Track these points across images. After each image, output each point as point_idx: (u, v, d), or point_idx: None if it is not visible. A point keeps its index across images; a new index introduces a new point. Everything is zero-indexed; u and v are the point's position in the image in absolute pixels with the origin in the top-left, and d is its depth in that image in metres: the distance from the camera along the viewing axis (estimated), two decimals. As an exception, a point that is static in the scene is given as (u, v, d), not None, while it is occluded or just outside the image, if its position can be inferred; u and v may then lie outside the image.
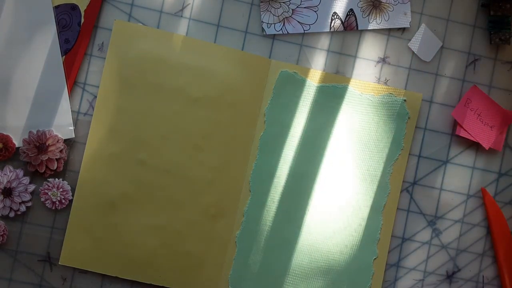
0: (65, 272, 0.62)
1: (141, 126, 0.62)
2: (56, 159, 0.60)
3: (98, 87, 0.62)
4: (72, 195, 0.61)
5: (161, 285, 0.62)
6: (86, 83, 0.62)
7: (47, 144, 0.60)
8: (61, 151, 0.60)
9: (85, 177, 0.61)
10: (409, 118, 0.64)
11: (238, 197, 0.63)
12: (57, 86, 0.61)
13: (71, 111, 0.62)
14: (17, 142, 0.61)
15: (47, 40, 0.61)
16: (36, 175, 0.61)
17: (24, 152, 0.60)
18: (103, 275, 0.62)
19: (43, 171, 0.60)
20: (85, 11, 0.61)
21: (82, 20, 0.61)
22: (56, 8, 0.61)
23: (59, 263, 0.61)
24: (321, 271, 0.63)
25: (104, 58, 0.62)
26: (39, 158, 0.60)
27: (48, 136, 0.60)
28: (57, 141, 0.60)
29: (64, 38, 0.61)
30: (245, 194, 0.63)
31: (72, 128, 0.61)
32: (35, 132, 0.60)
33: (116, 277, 0.62)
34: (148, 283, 0.62)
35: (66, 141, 0.61)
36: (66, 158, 0.61)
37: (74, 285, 0.62)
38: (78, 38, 0.61)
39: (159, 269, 0.62)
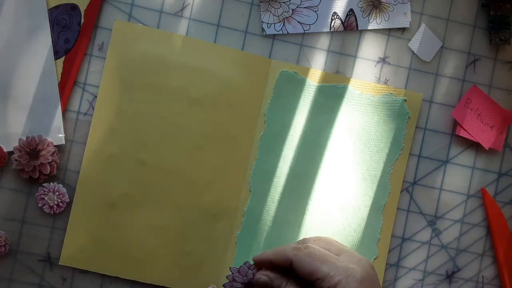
0: (65, 272, 0.62)
1: (141, 126, 0.62)
2: (48, 163, 0.60)
3: (98, 87, 0.62)
4: (72, 196, 0.61)
5: (161, 285, 0.62)
6: (86, 83, 0.62)
7: (38, 149, 0.60)
8: (52, 154, 0.60)
9: (85, 177, 0.61)
10: (409, 118, 0.64)
11: (238, 197, 0.63)
12: (48, 93, 0.61)
13: (71, 111, 0.62)
14: (6, 150, 0.60)
15: (39, 48, 0.61)
16: (31, 182, 0.61)
17: (16, 160, 0.60)
18: (103, 275, 0.62)
19: (36, 176, 0.60)
20: (85, 11, 0.61)
21: (82, 20, 0.61)
22: (56, 8, 0.61)
23: (59, 263, 0.61)
24: (321, 271, 0.63)
25: (104, 58, 0.62)
26: (32, 164, 0.60)
27: (38, 141, 0.60)
28: (47, 145, 0.60)
29: (64, 38, 0.61)
30: (245, 194, 0.63)
31: (62, 135, 0.61)
32: (25, 139, 0.60)
33: (116, 277, 0.62)
34: (148, 283, 0.62)
35: (57, 147, 0.61)
36: (58, 161, 0.61)
37: (74, 285, 0.62)
38: (78, 38, 0.61)
39: (159, 269, 0.62)
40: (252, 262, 0.59)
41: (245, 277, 0.58)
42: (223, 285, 0.59)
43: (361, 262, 0.53)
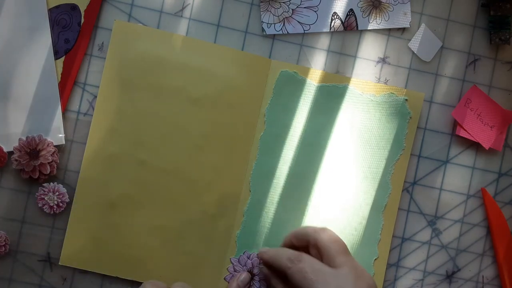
0: (65, 272, 0.62)
1: (141, 126, 0.62)
2: (48, 163, 0.60)
3: (98, 87, 0.62)
4: (72, 196, 0.61)
5: (161, 285, 0.62)
6: (86, 83, 0.62)
7: (38, 149, 0.60)
8: (52, 154, 0.60)
9: (85, 177, 0.61)
10: (410, 117, 0.64)
11: (238, 197, 0.63)
12: (48, 93, 0.61)
13: (71, 111, 0.62)
14: (6, 150, 0.60)
15: (39, 48, 0.61)
16: (31, 182, 0.61)
17: (16, 160, 0.60)
18: (103, 275, 0.62)
19: (36, 176, 0.60)
20: (85, 11, 0.61)
21: (82, 20, 0.61)
22: (56, 8, 0.61)
23: (59, 263, 0.61)
24: (321, 271, 0.63)
25: (104, 58, 0.62)
26: (32, 164, 0.60)
27: (38, 141, 0.60)
28: (47, 145, 0.60)
29: (64, 38, 0.61)
30: (245, 194, 0.63)
31: (62, 135, 0.61)
32: (25, 139, 0.60)
33: (116, 277, 0.62)
34: (148, 283, 0.62)
35: (57, 147, 0.61)
36: (58, 161, 0.61)
37: (74, 285, 0.62)
38: (78, 38, 0.61)
39: (159, 269, 0.62)
40: (250, 252, 0.62)
41: (244, 267, 0.61)
42: (224, 278, 0.62)
43: (357, 283, 0.51)
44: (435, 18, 0.65)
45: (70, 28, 0.61)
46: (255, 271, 0.61)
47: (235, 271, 0.61)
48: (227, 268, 0.62)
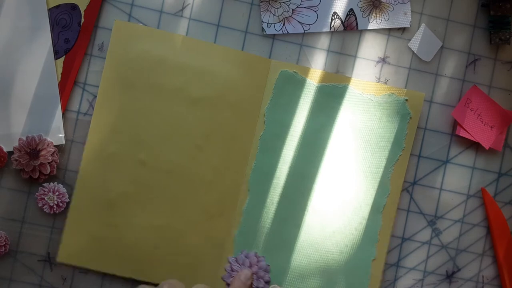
0: (65, 272, 0.62)
1: (141, 126, 0.62)
2: (48, 163, 0.60)
3: (98, 87, 0.62)
4: (72, 195, 0.61)
5: (161, 285, 0.62)
6: (86, 83, 0.62)
7: (38, 149, 0.60)
8: (52, 154, 0.60)
9: (85, 177, 0.61)
10: (410, 117, 0.64)
11: (237, 197, 0.63)
12: (48, 93, 0.61)
13: (71, 111, 0.62)
14: (6, 150, 0.60)
15: (39, 48, 0.61)
16: (31, 182, 0.61)
17: (16, 160, 0.60)
18: (103, 275, 0.62)
19: (36, 176, 0.60)
20: (85, 11, 0.61)
21: (82, 20, 0.61)
22: (56, 8, 0.61)
23: (57, 259, 0.61)
24: (320, 271, 0.63)
25: (104, 58, 0.62)
26: (32, 164, 0.60)
27: (38, 141, 0.60)
28: (47, 145, 0.60)
29: (64, 38, 0.61)
30: (245, 193, 0.63)
31: (62, 135, 0.61)
32: (24, 139, 0.60)
33: (116, 277, 0.62)
34: (147, 281, 0.62)
35: (57, 147, 0.61)
36: (58, 161, 0.61)
37: (74, 285, 0.62)
38: (78, 38, 0.61)
39: (159, 268, 0.62)
40: (248, 251, 0.62)
41: (242, 266, 0.61)
42: (222, 277, 0.61)
43: None
44: (435, 18, 0.65)
45: (70, 28, 0.61)
46: (254, 269, 0.61)
47: (232, 270, 0.61)
48: (224, 268, 0.62)
